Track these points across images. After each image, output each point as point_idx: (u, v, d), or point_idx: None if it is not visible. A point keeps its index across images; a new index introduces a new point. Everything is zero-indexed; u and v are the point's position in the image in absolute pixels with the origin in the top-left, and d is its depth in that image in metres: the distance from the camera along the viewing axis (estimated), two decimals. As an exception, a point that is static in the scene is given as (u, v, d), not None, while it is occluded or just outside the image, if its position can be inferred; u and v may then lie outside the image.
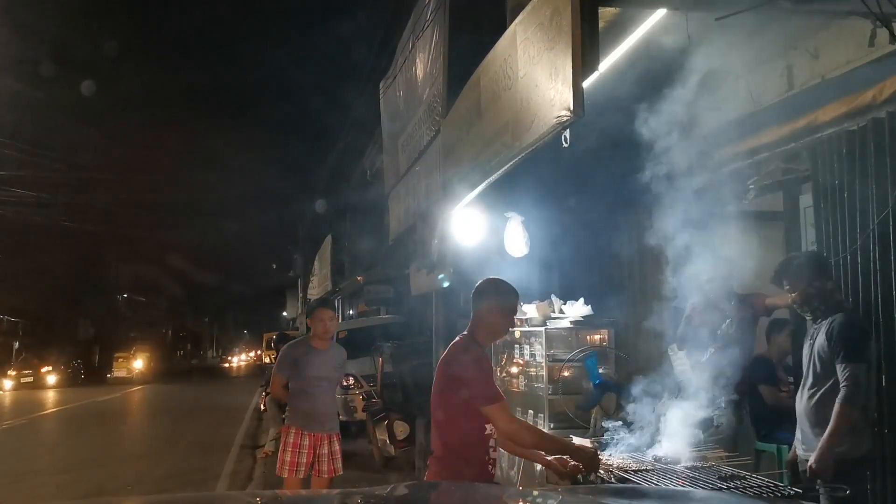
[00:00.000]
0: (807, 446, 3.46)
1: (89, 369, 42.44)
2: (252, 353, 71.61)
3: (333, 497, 2.52)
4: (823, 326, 3.43)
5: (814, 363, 3.47)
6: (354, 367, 9.99)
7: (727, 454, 3.68)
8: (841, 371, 3.30)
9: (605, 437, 4.10)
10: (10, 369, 34.66)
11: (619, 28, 3.60)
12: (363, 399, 9.87)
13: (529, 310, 5.29)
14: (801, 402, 3.54)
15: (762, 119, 4.46)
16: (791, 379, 4.59)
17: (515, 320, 3.31)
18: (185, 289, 61.41)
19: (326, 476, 5.27)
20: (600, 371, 4.79)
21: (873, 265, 3.55)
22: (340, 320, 17.93)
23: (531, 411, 5.06)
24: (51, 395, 27.93)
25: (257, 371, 34.32)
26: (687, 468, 3.38)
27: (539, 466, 4.41)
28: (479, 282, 3.28)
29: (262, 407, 12.55)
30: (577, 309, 5.03)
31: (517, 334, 5.47)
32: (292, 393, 5.39)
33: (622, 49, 3.61)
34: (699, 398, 3.82)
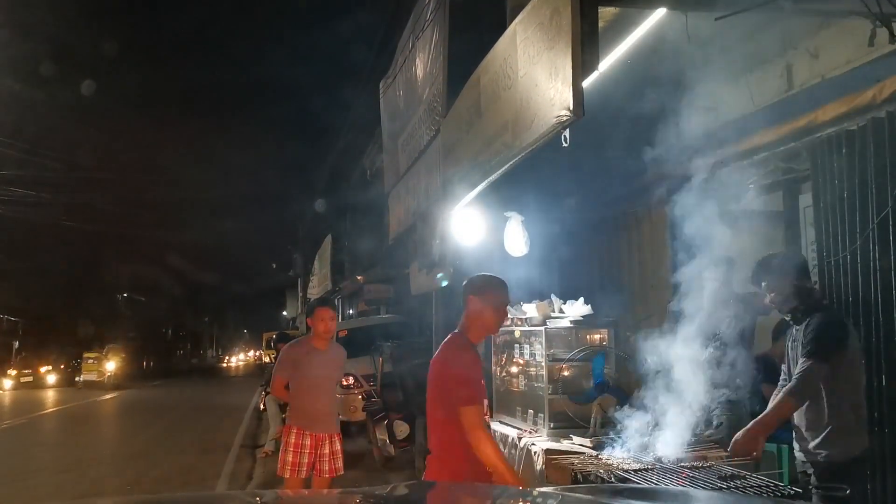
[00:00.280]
0: (799, 447, 3.48)
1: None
2: (252, 353, 71.63)
3: (334, 497, 2.53)
4: (803, 327, 3.44)
5: (793, 369, 3.48)
6: (354, 367, 9.99)
7: (727, 454, 3.68)
8: (799, 365, 3.31)
9: (605, 436, 4.11)
10: (9, 369, 34.69)
11: (619, 28, 3.60)
12: (363, 399, 9.87)
13: (529, 309, 5.29)
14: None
15: (762, 118, 4.46)
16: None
17: (507, 314, 3.32)
18: (185, 288, 61.41)
19: (327, 476, 5.27)
20: (605, 370, 4.79)
21: (873, 264, 3.55)
22: (340, 320, 17.94)
23: (531, 410, 5.06)
24: (50, 395, 27.95)
25: (257, 371, 34.32)
26: (687, 468, 3.38)
27: (539, 466, 4.42)
28: (470, 278, 3.29)
29: (262, 406, 12.55)
30: (577, 308, 5.02)
31: (517, 334, 5.47)
32: (293, 393, 5.39)
33: (622, 48, 3.61)
34: (700, 398, 3.82)
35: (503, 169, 3.83)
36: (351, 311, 21.04)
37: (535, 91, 3.23)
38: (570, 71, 2.81)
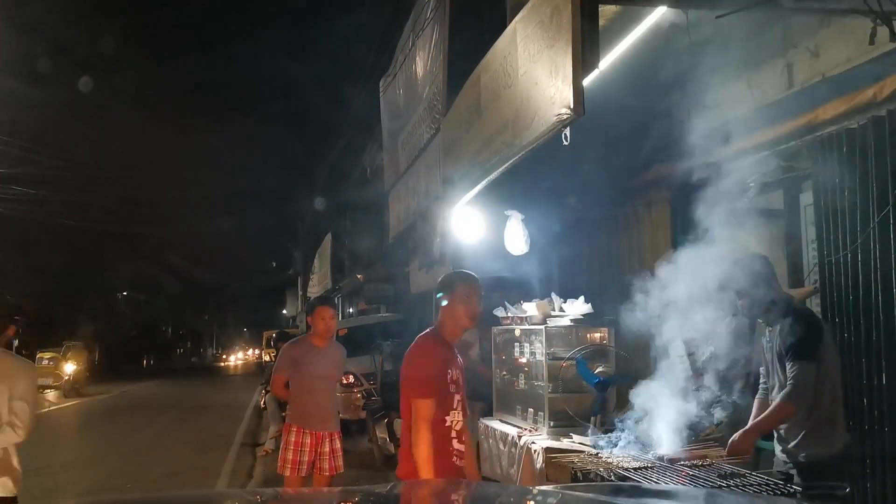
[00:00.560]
0: (781, 447, 3.51)
1: (90, 367, 42.35)
2: (251, 352, 71.61)
3: (334, 495, 2.53)
4: (778, 330, 3.46)
5: (776, 369, 3.49)
6: (354, 366, 9.99)
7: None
8: (789, 368, 3.31)
9: (604, 434, 4.11)
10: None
11: (620, 26, 3.60)
12: (363, 397, 9.87)
13: (529, 308, 5.30)
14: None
15: (762, 117, 4.45)
16: None
17: (478, 305, 3.27)
18: (185, 287, 61.44)
19: (328, 474, 5.27)
20: (598, 370, 4.78)
21: (874, 263, 3.55)
22: (340, 318, 17.95)
23: (531, 409, 5.06)
24: (52, 393, 27.94)
25: (257, 369, 34.31)
26: (687, 466, 3.38)
27: (539, 465, 4.42)
28: (441, 276, 3.37)
29: (263, 405, 12.56)
30: (578, 307, 5.03)
31: (517, 332, 5.48)
32: (293, 391, 5.39)
33: (623, 46, 3.61)
34: (700, 396, 3.82)
35: (503, 167, 3.83)
36: (351, 310, 21.05)
37: (535, 89, 3.23)
38: (571, 69, 2.81)
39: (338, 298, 20.87)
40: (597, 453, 3.82)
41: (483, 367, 6.23)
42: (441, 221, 5.83)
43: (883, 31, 3.06)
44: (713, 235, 3.76)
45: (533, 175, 5.44)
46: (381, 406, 8.89)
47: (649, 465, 3.45)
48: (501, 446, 5.21)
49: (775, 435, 3.58)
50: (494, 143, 3.91)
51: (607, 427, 4.30)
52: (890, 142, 3.41)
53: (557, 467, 3.94)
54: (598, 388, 4.65)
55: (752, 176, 4.63)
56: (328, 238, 20.53)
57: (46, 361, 27.33)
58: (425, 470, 2.96)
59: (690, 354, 4.21)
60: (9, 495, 3.51)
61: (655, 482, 3.13)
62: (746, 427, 3.48)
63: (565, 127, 2.99)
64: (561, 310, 5.15)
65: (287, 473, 5.21)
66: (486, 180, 4.19)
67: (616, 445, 3.87)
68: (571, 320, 4.99)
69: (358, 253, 18.75)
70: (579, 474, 3.44)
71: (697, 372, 4.10)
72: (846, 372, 3.75)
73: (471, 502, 2.06)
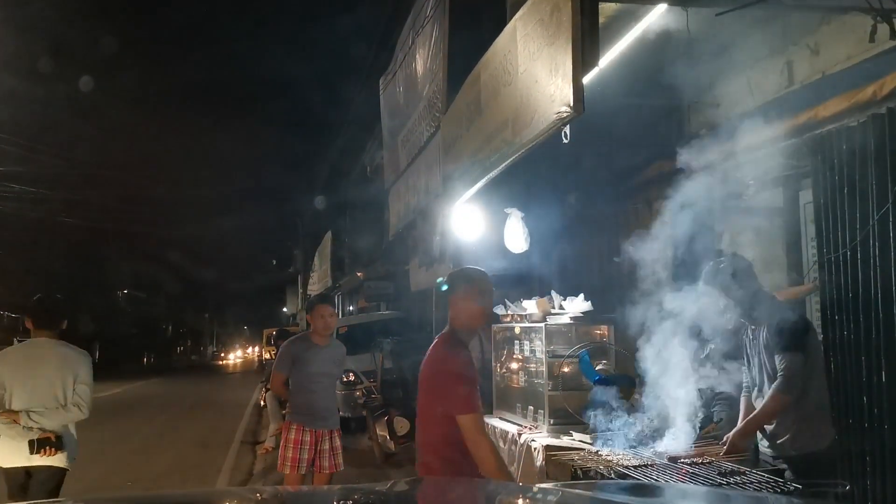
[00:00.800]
0: (768, 442, 3.54)
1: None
2: (251, 349, 71.56)
3: (334, 493, 2.53)
4: (763, 329, 3.49)
5: (765, 367, 3.52)
6: (354, 363, 10.00)
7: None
8: (779, 361, 3.36)
9: (605, 432, 4.11)
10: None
11: (619, 24, 3.59)
12: (363, 395, 9.88)
13: (529, 306, 5.30)
14: (758, 404, 3.60)
15: (762, 115, 4.45)
16: None
17: (491, 303, 3.18)
18: (185, 285, 61.44)
19: (327, 472, 5.28)
20: (598, 368, 4.79)
21: (873, 261, 3.55)
22: (340, 316, 17.95)
23: (531, 407, 5.07)
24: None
25: (257, 368, 34.29)
26: (687, 464, 3.38)
27: (539, 462, 4.42)
28: (449, 274, 3.23)
29: (263, 403, 12.57)
30: (577, 305, 5.03)
31: (517, 330, 5.48)
32: (292, 389, 5.39)
33: (623, 44, 3.61)
34: (700, 393, 3.83)
35: (503, 165, 3.83)
36: (351, 308, 21.05)
37: (535, 87, 3.23)
38: (571, 67, 2.81)
39: (338, 296, 20.88)
40: (597, 451, 3.82)
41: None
42: (441, 219, 5.83)
43: (883, 29, 3.06)
44: (712, 233, 3.76)
45: (533, 173, 5.45)
46: (381, 404, 8.90)
47: (649, 462, 3.45)
48: (501, 444, 5.21)
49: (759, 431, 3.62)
50: (494, 140, 3.90)
51: (608, 424, 4.30)
52: (890, 139, 3.41)
53: (557, 465, 3.94)
54: (599, 383, 4.65)
55: (751, 173, 4.63)
56: (328, 236, 20.54)
57: None
58: (501, 470, 2.84)
59: (689, 352, 4.21)
60: (64, 467, 4.19)
61: (655, 480, 3.13)
62: (742, 424, 3.51)
63: (565, 125, 2.99)
64: (561, 307, 5.15)
65: (287, 471, 5.22)
66: (486, 178, 4.19)
67: (616, 443, 3.87)
68: (571, 318, 4.99)
69: (358, 251, 18.76)
70: (579, 472, 3.44)
71: (697, 369, 4.10)
72: (846, 369, 3.76)
73: (471, 500, 2.06)
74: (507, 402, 5.60)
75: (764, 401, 3.43)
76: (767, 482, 2.99)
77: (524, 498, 2.09)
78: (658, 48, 3.94)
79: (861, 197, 3.56)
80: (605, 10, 3.39)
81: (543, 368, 4.90)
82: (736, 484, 2.99)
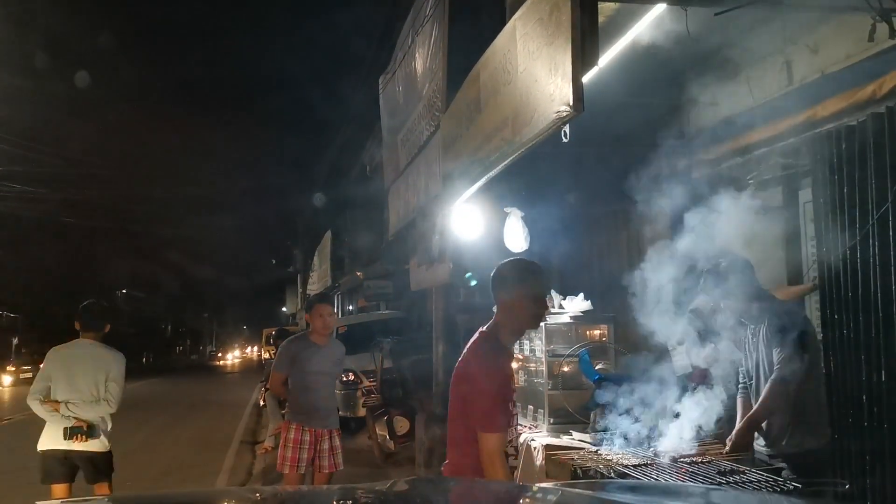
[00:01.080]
0: (764, 441, 3.55)
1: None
2: (250, 349, 71.47)
3: (334, 493, 2.53)
4: (762, 327, 3.51)
5: (762, 365, 3.53)
6: (354, 363, 10.01)
7: (726, 448, 3.69)
8: (776, 354, 3.41)
9: (604, 431, 4.11)
10: (8, 365, 34.70)
11: (619, 23, 3.59)
12: (363, 394, 9.89)
13: (529, 305, 5.30)
14: (756, 401, 3.62)
15: (761, 114, 4.46)
16: None
17: (547, 305, 2.84)
18: (185, 284, 61.44)
19: (327, 471, 5.28)
20: (597, 367, 4.79)
21: (872, 260, 3.54)
22: (340, 316, 17.95)
23: (531, 406, 5.07)
24: (50, 391, 27.92)
25: (257, 367, 34.28)
26: (686, 463, 3.39)
27: (539, 462, 4.43)
28: (498, 266, 2.87)
29: (262, 402, 12.57)
30: (577, 304, 5.03)
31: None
32: (292, 389, 5.39)
33: (622, 44, 3.61)
34: (699, 392, 3.83)
35: (503, 164, 3.82)
36: (350, 307, 21.05)
37: (534, 86, 3.23)
38: (570, 66, 2.80)
39: (337, 296, 20.88)
40: (596, 450, 3.82)
41: None
42: (440, 218, 5.83)
43: (882, 28, 3.06)
44: (711, 232, 3.76)
45: (533, 172, 5.45)
46: (380, 403, 8.90)
47: (649, 461, 3.46)
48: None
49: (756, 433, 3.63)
50: (494, 139, 3.90)
51: (607, 424, 4.30)
52: (889, 139, 3.41)
53: (557, 464, 3.94)
54: (598, 384, 4.65)
55: (751, 172, 4.63)
56: (328, 235, 20.53)
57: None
58: None
59: (689, 351, 4.22)
60: (105, 450, 4.88)
61: (655, 479, 3.13)
62: (742, 423, 3.53)
63: (565, 124, 2.98)
64: (560, 307, 5.15)
65: (286, 471, 5.22)
66: (486, 177, 4.18)
67: (616, 442, 3.87)
68: (571, 317, 5.00)
69: (358, 250, 18.76)
70: (579, 471, 3.45)
71: (696, 368, 4.11)
72: (845, 368, 3.76)
73: (471, 499, 2.06)
74: (506, 402, 5.60)
75: (763, 395, 3.45)
76: (767, 481, 2.99)
77: (524, 497, 2.09)
78: (657, 47, 3.93)
79: (860, 196, 3.56)
80: (605, 9, 3.39)
81: (543, 368, 4.90)
82: (735, 483, 2.99)
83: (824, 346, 3.59)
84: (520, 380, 5.35)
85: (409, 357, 8.83)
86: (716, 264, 3.63)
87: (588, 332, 5.13)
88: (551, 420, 4.77)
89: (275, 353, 6.54)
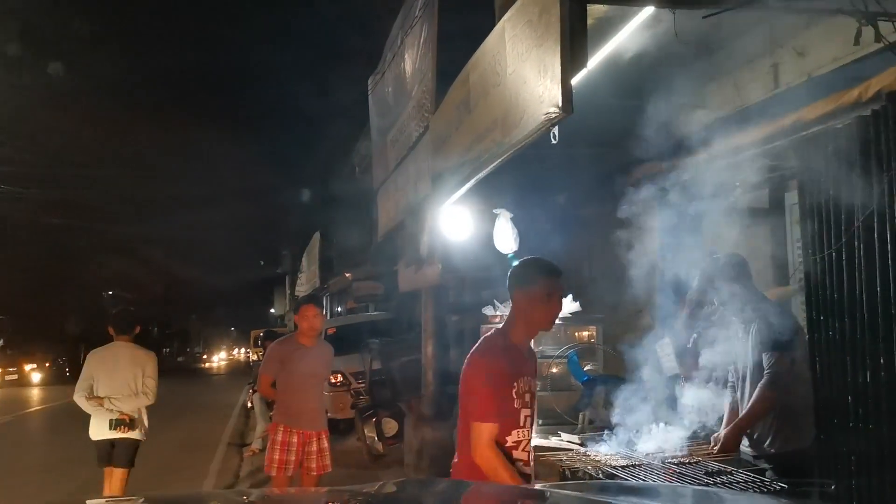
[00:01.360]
0: (748, 441, 3.57)
1: (75, 367, 42.10)
2: (238, 350, 71.03)
3: (322, 495, 2.52)
4: (753, 327, 3.53)
5: (751, 366, 3.56)
6: (343, 364, 9.98)
7: (714, 450, 3.71)
8: (766, 358, 3.43)
9: (592, 432, 4.12)
10: (-6, 367, 34.40)
11: (608, 25, 3.60)
12: (352, 396, 9.86)
13: (518, 306, 5.30)
14: (743, 401, 3.64)
15: (749, 117, 4.48)
16: None
17: (560, 305, 2.83)
18: (173, 285, 61.06)
19: (315, 473, 5.26)
20: (586, 368, 4.80)
21: (857, 262, 3.57)
22: (329, 317, 17.90)
23: (519, 408, 5.07)
24: (35, 393, 27.72)
25: (245, 369, 34.10)
26: (674, 464, 3.40)
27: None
28: (515, 264, 2.87)
29: (250, 404, 12.51)
30: (566, 305, 5.04)
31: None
32: (280, 390, 5.37)
33: (611, 46, 3.62)
34: (689, 392, 3.85)
35: (492, 166, 3.82)
36: (339, 309, 20.99)
37: (524, 88, 3.23)
38: (559, 68, 2.81)
39: (326, 297, 20.80)
40: (585, 451, 3.83)
41: None
42: (430, 220, 5.82)
43: (868, 32, 3.08)
44: (698, 234, 3.78)
45: (522, 174, 5.45)
46: (369, 405, 8.88)
47: (637, 462, 3.47)
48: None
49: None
50: (484, 141, 3.90)
51: (595, 425, 4.32)
52: (874, 142, 3.44)
53: (546, 465, 3.94)
54: (587, 385, 4.67)
55: (738, 175, 4.66)
56: (316, 236, 20.46)
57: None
58: (508, 478, 2.54)
59: (677, 352, 4.24)
60: (138, 438, 5.60)
61: (643, 480, 3.14)
62: (732, 425, 3.55)
63: (554, 125, 2.99)
64: (549, 308, 5.15)
65: (274, 473, 5.20)
66: (476, 178, 4.18)
67: (604, 443, 3.88)
68: (560, 318, 5.00)
69: (346, 251, 18.70)
70: (567, 472, 3.45)
71: (684, 369, 4.13)
72: (830, 369, 3.79)
73: (459, 501, 2.06)
74: (495, 403, 5.60)
75: (752, 399, 3.47)
76: (753, 482, 3.01)
77: (513, 498, 2.09)
78: (646, 50, 3.95)
79: (846, 198, 3.59)
80: (593, 11, 3.40)
81: (532, 369, 4.91)
82: (723, 484, 3.00)
83: (809, 348, 3.62)
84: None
85: (398, 359, 8.81)
86: (711, 261, 3.65)
87: (576, 334, 5.14)
88: (540, 421, 4.77)
89: (262, 355, 6.52)
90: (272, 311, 45.84)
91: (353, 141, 15.27)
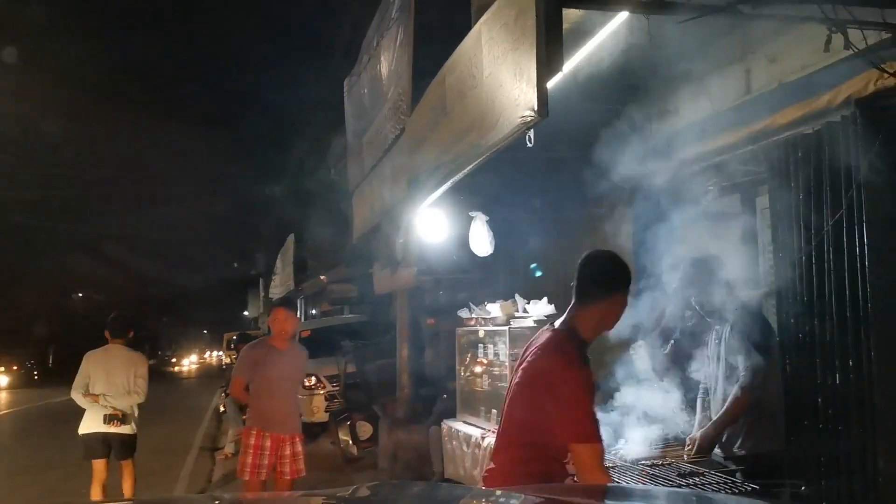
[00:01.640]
0: (719, 445, 3.62)
1: (43, 370, 41.33)
2: (209, 354, 70.17)
3: (296, 499, 2.49)
4: (726, 329, 3.59)
5: (725, 367, 3.60)
6: (318, 368, 9.90)
7: (687, 451, 3.74)
8: (742, 361, 3.49)
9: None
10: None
11: (583, 30, 3.62)
12: (326, 399, 9.80)
13: (493, 309, 5.31)
14: (716, 404, 3.68)
15: (721, 122, 4.54)
16: None
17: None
18: (144, 288, 60.22)
19: (289, 477, 5.21)
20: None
21: (827, 265, 3.63)
22: (303, 320, 17.77)
23: (495, 410, 5.07)
24: (3, 397, 27.11)
25: (217, 373, 33.72)
26: (647, 465, 3.42)
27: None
28: (595, 257, 2.65)
29: (222, 408, 12.36)
30: (541, 308, 5.05)
31: (481, 333, 5.48)
32: (253, 394, 5.31)
33: (587, 50, 3.64)
34: (662, 394, 3.88)
35: (468, 168, 3.82)
36: (314, 311, 20.85)
37: (500, 91, 3.23)
38: (535, 72, 2.82)
39: (301, 300, 20.65)
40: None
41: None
42: (405, 222, 5.81)
43: (838, 39, 3.13)
44: (672, 237, 3.81)
45: (499, 177, 5.46)
46: (343, 408, 8.83)
47: (611, 464, 3.48)
48: (465, 448, 5.20)
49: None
50: (460, 144, 3.90)
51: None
52: (843, 147, 3.50)
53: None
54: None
55: (710, 179, 4.71)
56: (291, 238, 20.28)
57: None
58: None
59: (651, 354, 4.27)
60: (133, 433, 6.20)
61: (617, 481, 3.15)
62: (708, 425, 3.58)
63: (529, 129, 2.99)
64: (524, 311, 5.17)
65: (247, 477, 5.14)
66: (452, 181, 4.18)
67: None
68: (535, 321, 5.01)
69: (321, 253, 18.55)
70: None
71: (659, 372, 4.16)
72: (800, 371, 3.85)
73: (430, 502, 2.04)
74: (470, 406, 5.59)
75: (727, 402, 3.50)
76: (725, 483, 3.04)
77: (486, 501, 2.08)
78: (620, 55, 3.98)
79: (816, 203, 3.64)
80: (569, 15, 3.41)
81: (507, 372, 4.91)
82: (695, 485, 3.03)
83: (780, 351, 3.67)
84: (483, 384, 5.35)
85: (372, 362, 8.78)
86: (689, 262, 3.68)
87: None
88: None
89: (235, 358, 6.47)
90: (246, 313, 45.38)
91: (328, 143, 15.19)
